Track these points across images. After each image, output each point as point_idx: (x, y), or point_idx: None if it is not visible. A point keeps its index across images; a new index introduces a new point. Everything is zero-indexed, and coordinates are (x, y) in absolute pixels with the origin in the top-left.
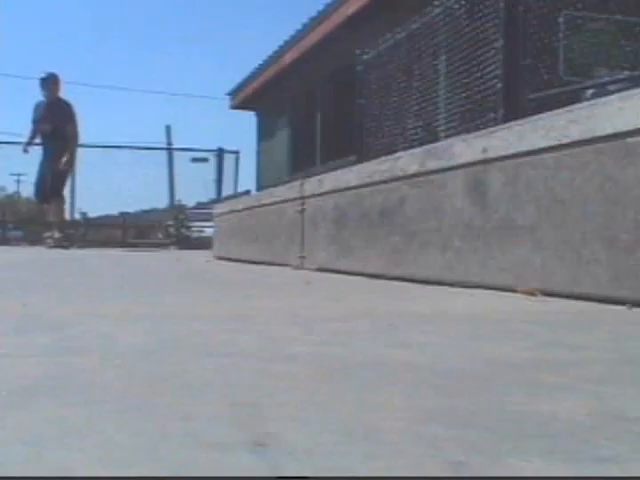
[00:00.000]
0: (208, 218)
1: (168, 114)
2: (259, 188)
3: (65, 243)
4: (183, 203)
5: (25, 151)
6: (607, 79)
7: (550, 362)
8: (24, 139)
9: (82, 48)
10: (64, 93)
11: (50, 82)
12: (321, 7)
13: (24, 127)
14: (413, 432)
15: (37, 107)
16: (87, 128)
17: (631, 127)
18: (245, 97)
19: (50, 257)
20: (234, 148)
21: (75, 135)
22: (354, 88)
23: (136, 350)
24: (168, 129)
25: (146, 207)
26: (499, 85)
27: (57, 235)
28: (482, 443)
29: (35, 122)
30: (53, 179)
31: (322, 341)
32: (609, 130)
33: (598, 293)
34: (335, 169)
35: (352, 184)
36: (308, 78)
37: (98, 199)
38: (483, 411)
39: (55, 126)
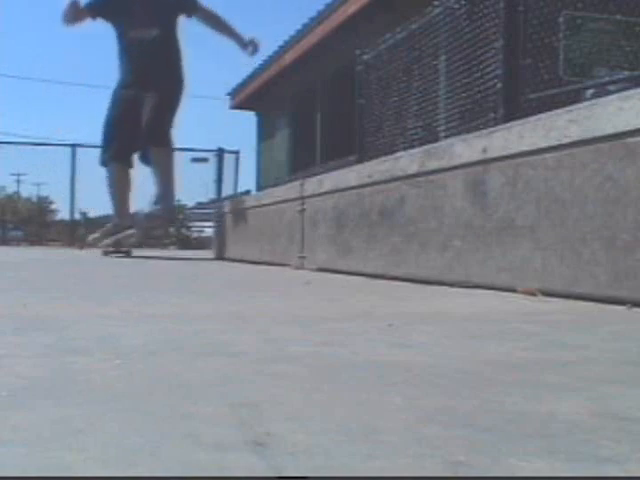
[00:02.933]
0: (208, 218)
1: None
2: (259, 188)
3: (131, 240)
4: (183, 203)
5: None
6: (607, 79)
7: (550, 362)
8: (24, 139)
9: (82, 48)
10: None
11: None
12: (321, 7)
13: (24, 127)
14: (413, 432)
15: None
16: (87, 128)
17: (631, 127)
18: (245, 97)
19: (51, 257)
20: (234, 148)
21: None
22: (354, 88)
23: (136, 350)
24: None
25: None
26: (499, 85)
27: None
28: (482, 443)
29: (107, 14)
30: (156, 117)
31: (322, 341)
32: (609, 130)
33: (598, 293)
34: (335, 169)
35: (352, 184)
36: (308, 78)
37: (98, 199)
38: (483, 411)
39: (163, 31)
